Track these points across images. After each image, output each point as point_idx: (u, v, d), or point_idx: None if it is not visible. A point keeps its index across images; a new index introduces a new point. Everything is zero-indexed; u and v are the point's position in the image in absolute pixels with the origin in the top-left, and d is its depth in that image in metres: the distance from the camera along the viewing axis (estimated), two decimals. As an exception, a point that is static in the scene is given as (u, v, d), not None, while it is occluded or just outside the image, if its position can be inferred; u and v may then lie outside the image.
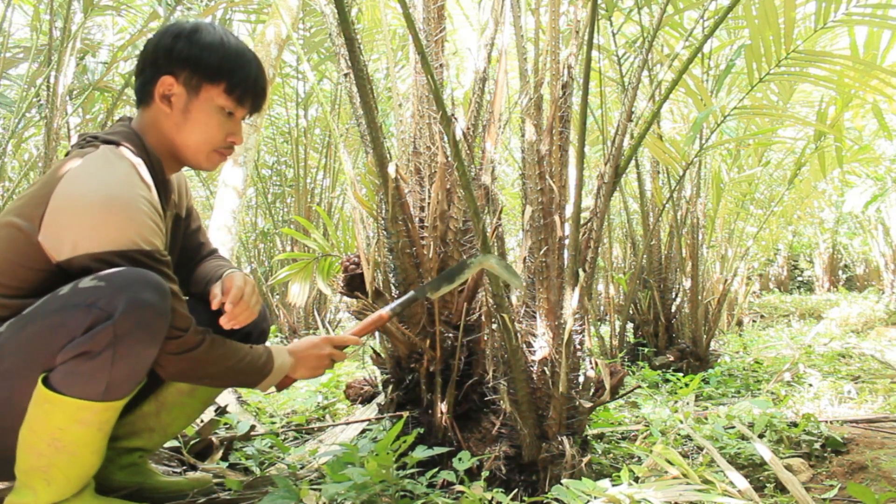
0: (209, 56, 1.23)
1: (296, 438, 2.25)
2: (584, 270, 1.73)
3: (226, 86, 1.25)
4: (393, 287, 1.96)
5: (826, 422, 2.16)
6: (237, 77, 1.25)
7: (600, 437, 2.18)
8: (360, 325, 1.51)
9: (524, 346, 1.74)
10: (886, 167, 5.15)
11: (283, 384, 1.42)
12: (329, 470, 1.41)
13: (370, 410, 2.30)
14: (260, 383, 1.34)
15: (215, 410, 2.16)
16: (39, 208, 1.11)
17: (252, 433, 2.05)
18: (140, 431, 1.43)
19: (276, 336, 5.74)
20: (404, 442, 1.46)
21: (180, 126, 1.26)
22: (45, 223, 1.10)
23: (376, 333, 2.82)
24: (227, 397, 2.45)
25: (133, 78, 4.84)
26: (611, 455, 2.00)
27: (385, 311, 1.50)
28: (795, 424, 2.07)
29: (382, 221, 1.91)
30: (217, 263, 1.49)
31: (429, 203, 1.93)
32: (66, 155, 1.23)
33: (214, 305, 1.30)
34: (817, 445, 1.96)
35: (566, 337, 1.64)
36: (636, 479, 1.60)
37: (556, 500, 1.46)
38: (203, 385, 1.40)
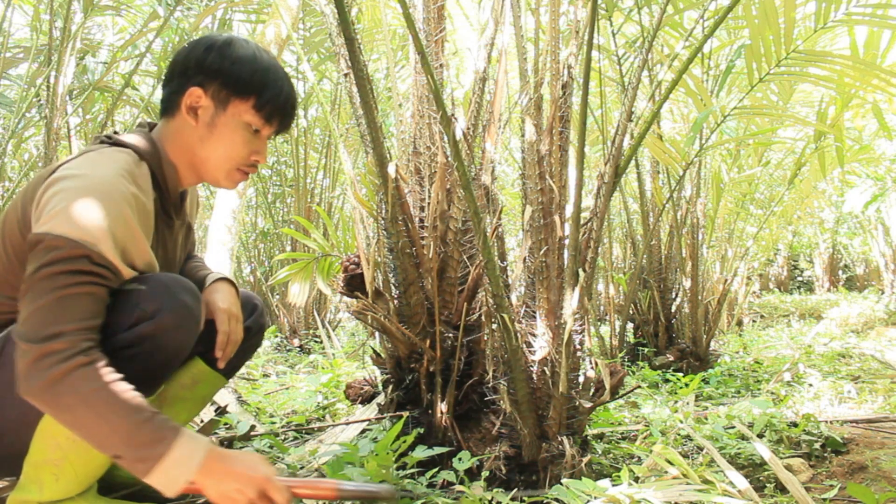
0: (240, 69, 1.19)
1: (296, 438, 2.25)
2: (584, 270, 1.73)
3: (255, 102, 1.21)
4: (393, 287, 1.96)
5: (826, 422, 2.16)
6: (268, 93, 1.22)
7: (600, 437, 2.18)
8: (307, 486, 1.11)
9: (524, 346, 1.74)
10: (886, 167, 5.15)
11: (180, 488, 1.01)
12: (329, 470, 1.41)
13: (370, 410, 2.30)
14: (145, 467, 0.98)
15: (215, 410, 2.16)
16: (31, 204, 1.10)
17: (252, 433, 2.05)
18: None
19: (276, 336, 5.73)
20: (404, 442, 1.46)
21: (204, 139, 1.22)
22: (34, 218, 1.08)
23: (376, 333, 2.81)
24: (226, 397, 2.45)
25: (132, 78, 4.81)
26: (611, 455, 2.00)
27: (342, 489, 1.09)
28: (795, 424, 2.07)
29: (382, 221, 1.91)
30: (194, 265, 1.50)
31: (429, 203, 1.93)
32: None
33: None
34: (817, 445, 1.96)
35: (566, 337, 1.64)
36: (636, 479, 1.60)
37: (557, 500, 1.46)
38: (74, 431, 1.01)
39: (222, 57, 1.19)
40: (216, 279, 1.42)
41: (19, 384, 0.98)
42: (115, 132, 1.25)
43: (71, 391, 0.96)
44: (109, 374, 1.00)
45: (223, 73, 1.19)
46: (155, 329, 1.10)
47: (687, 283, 3.99)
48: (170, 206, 1.28)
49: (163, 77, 1.27)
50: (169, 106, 1.24)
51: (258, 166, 1.31)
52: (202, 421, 1.98)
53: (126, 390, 1.00)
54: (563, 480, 1.49)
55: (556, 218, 1.77)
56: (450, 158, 1.85)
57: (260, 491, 1.03)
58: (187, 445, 1.00)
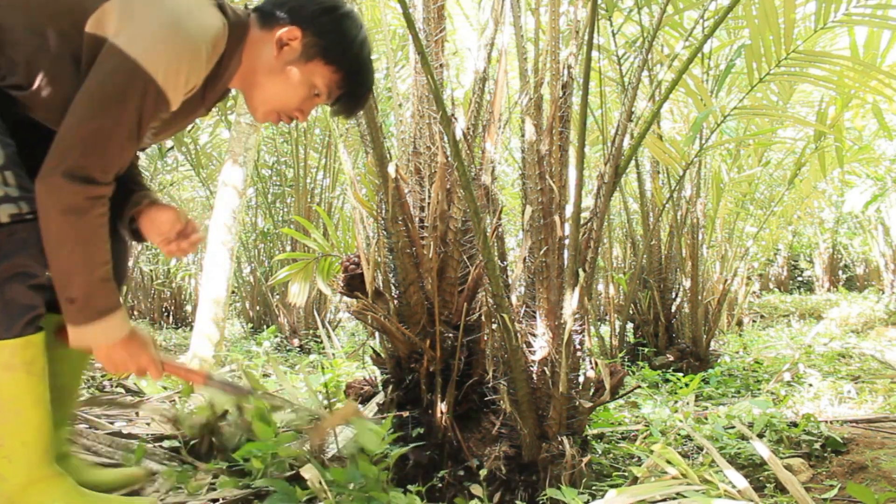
0: (342, 43, 1.25)
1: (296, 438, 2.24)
2: (584, 270, 1.73)
3: (333, 72, 1.26)
4: (393, 287, 1.96)
5: (826, 422, 2.16)
6: (350, 76, 1.28)
7: (600, 437, 2.18)
8: (181, 369, 1.32)
9: (524, 346, 1.75)
10: (886, 167, 5.15)
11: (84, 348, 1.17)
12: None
13: (370, 410, 2.30)
14: (90, 318, 1.10)
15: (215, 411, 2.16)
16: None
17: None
18: None
19: (276, 336, 5.73)
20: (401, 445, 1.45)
21: (272, 72, 1.25)
22: (113, 4, 1.07)
23: (376, 333, 2.81)
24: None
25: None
26: (611, 455, 2.00)
27: (209, 378, 1.33)
28: (795, 424, 2.07)
29: (382, 221, 1.91)
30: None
31: (429, 203, 1.93)
32: None
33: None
34: (817, 445, 1.96)
35: (566, 337, 1.64)
36: (636, 480, 1.60)
37: (553, 499, 1.46)
38: (50, 256, 1.08)
39: (335, 24, 1.25)
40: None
41: (50, 203, 1.03)
42: None
43: (87, 237, 1.06)
44: (105, 229, 1.09)
45: (326, 36, 1.24)
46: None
47: (687, 283, 3.99)
48: (210, 90, 1.26)
49: None
50: (269, 21, 1.25)
51: (293, 121, 1.33)
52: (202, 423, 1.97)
53: (107, 249, 1.10)
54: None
55: (556, 218, 1.77)
56: (450, 158, 1.85)
57: (141, 366, 1.20)
58: (121, 317, 1.14)
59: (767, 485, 1.69)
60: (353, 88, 1.29)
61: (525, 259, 1.83)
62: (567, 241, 1.74)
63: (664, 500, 1.41)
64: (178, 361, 1.30)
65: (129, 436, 1.80)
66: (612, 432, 2.23)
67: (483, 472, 1.69)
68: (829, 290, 10.50)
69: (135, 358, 1.19)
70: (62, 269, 1.07)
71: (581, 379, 1.82)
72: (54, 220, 1.05)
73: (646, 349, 4.13)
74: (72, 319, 1.10)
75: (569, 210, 1.77)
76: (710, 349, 4.06)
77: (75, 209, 1.04)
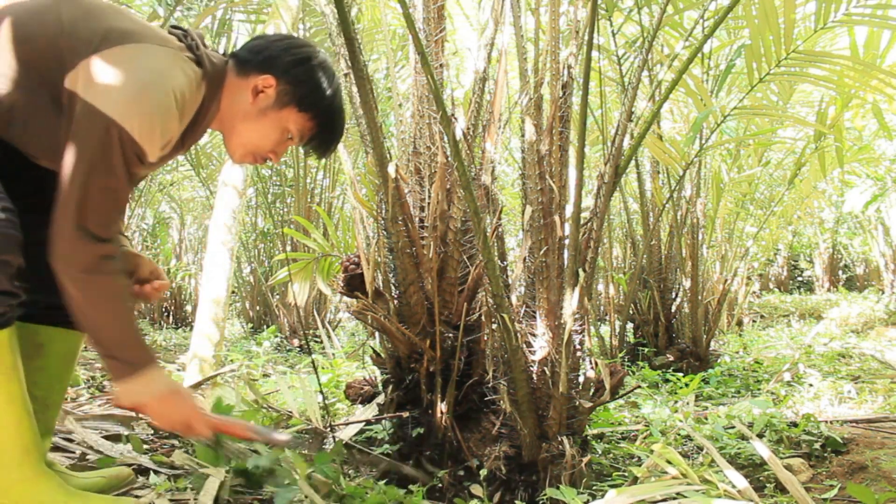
0: (315, 93, 1.32)
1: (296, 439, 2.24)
2: (584, 270, 1.73)
3: (306, 117, 1.33)
4: (393, 287, 1.96)
5: (826, 422, 2.16)
6: (320, 124, 1.35)
7: (600, 437, 2.18)
8: (226, 424, 1.33)
9: (524, 346, 1.75)
10: (886, 167, 5.15)
11: (133, 405, 1.21)
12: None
13: (370, 410, 2.30)
14: (129, 373, 1.16)
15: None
16: (79, 48, 1.11)
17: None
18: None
19: (276, 336, 5.73)
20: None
21: (247, 118, 1.31)
22: (89, 63, 1.10)
23: (376, 333, 2.81)
24: (229, 396, 2.44)
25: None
26: (611, 455, 2.00)
27: (255, 432, 1.34)
28: (795, 424, 2.07)
29: (382, 221, 1.91)
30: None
31: (429, 203, 1.93)
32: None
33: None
34: (817, 445, 1.96)
35: (566, 337, 1.65)
36: (636, 480, 1.60)
37: (553, 499, 1.46)
38: (80, 318, 1.14)
39: (308, 74, 1.32)
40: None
41: (67, 268, 1.09)
42: (195, 45, 1.25)
43: (108, 294, 1.13)
44: (124, 287, 1.17)
45: (299, 85, 1.31)
46: None
47: (687, 283, 3.99)
48: (189, 136, 1.32)
49: (253, 36, 1.36)
50: (245, 69, 1.31)
51: (267, 163, 1.41)
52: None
53: (131, 308, 1.18)
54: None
55: (556, 218, 1.77)
56: (450, 158, 1.86)
57: (187, 422, 1.24)
58: (159, 372, 1.20)
59: (767, 485, 1.69)
60: (324, 134, 1.37)
61: (525, 259, 1.83)
62: (567, 241, 1.74)
63: (664, 500, 1.41)
64: (221, 418, 1.33)
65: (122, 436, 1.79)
66: (612, 432, 2.23)
67: (483, 472, 1.69)
68: (829, 290, 10.50)
69: (182, 413, 1.23)
70: (96, 326, 1.14)
71: (581, 379, 1.82)
72: (79, 280, 1.10)
73: (646, 349, 4.13)
74: (116, 376, 1.16)
75: (569, 210, 1.77)
76: (710, 349, 4.06)
77: (91, 268, 1.10)
